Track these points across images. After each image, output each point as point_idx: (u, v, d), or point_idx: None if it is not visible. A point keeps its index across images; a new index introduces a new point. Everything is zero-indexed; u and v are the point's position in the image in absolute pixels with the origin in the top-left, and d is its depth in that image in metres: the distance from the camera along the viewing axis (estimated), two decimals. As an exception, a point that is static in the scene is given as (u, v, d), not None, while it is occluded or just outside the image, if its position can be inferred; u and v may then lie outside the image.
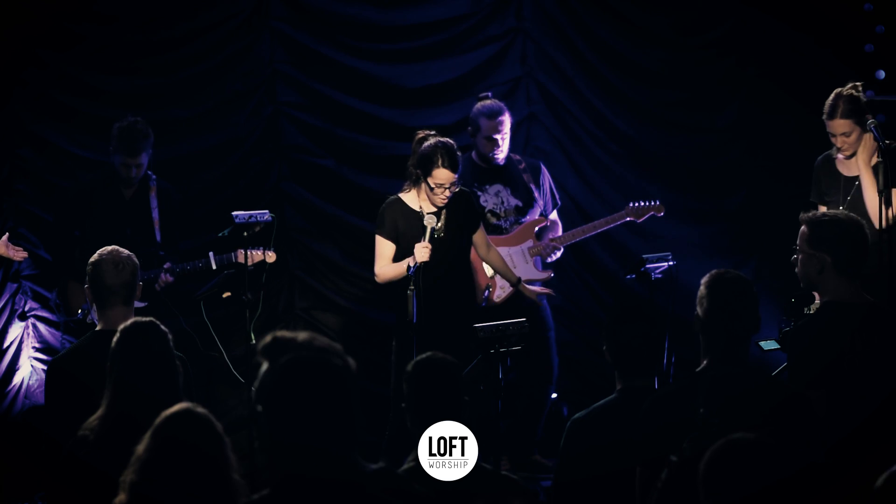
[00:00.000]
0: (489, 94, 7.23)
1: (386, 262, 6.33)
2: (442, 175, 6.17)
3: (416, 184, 6.30)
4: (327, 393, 2.73)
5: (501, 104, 7.06)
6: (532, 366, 7.01)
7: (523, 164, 7.16)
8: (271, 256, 6.83)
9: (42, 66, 7.58)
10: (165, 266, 6.81)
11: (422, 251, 6.12)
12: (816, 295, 4.84)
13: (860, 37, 7.70)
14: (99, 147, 7.32)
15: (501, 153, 6.99)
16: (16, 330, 7.62)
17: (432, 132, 6.33)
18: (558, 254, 7.13)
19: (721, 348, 4.05)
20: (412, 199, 6.34)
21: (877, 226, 5.98)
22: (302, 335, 2.88)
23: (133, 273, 4.96)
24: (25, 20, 7.39)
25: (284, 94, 7.92)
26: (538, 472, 7.03)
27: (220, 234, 6.67)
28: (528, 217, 7.09)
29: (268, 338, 2.90)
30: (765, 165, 8.02)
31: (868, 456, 4.14)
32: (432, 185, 6.19)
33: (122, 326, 4.25)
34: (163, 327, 4.24)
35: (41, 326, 7.67)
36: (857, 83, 6.28)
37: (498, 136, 6.93)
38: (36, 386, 7.56)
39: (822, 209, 6.44)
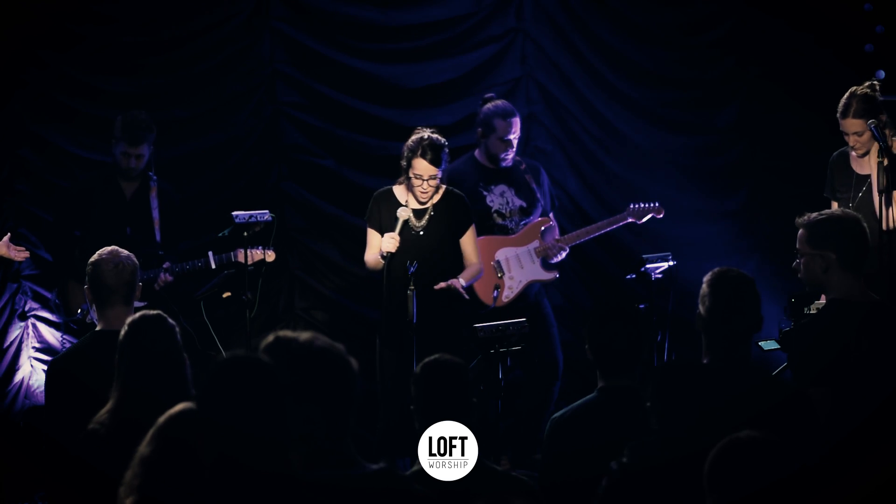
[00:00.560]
0: (493, 94, 7.24)
1: (374, 251, 6.40)
2: (420, 166, 6.24)
3: (405, 178, 6.36)
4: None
5: (511, 105, 7.08)
6: (537, 363, 7.01)
7: (524, 166, 7.16)
8: (270, 255, 6.83)
9: (42, 67, 7.58)
10: (165, 266, 6.81)
11: (388, 241, 6.23)
12: (824, 298, 4.82)
13: (860, 37, 7.70)
14: (99, 147, 7.33)
15: (512, 154, 7.00)
16: (16, 330, 7.62)
17: (431, 129, 6.36)
18: (564, 254, 7.13)
19: (723, 347, 4.05)
20: (401, 191, 6.42)
21: (884, 226, 5.98)
22: (304, 335, 2.88)
23: (133, 273, 4.96)
24: (26, 20, 7.39)
25: (284, 94, 7.92)
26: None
27: (221, 234, 6.67)
28: (531, 217, 7.09)
29: (270, 337, 2.90)
30: (765, 165, 8.03)
31: (871, 454, 4.15)
32: (411, 176, 6.28)
33: (129, 319, 4.26)
34: (170, 321, 4.25)
35: (41, 326, 7.67)
36: (874, 82, 6.28)
37: (512, 137, 6.95)
38: (36, 386, 7.56)
39: (835, 205, 6.44)
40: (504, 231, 7.01)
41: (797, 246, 4.62)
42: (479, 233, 6.92)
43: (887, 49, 7.65)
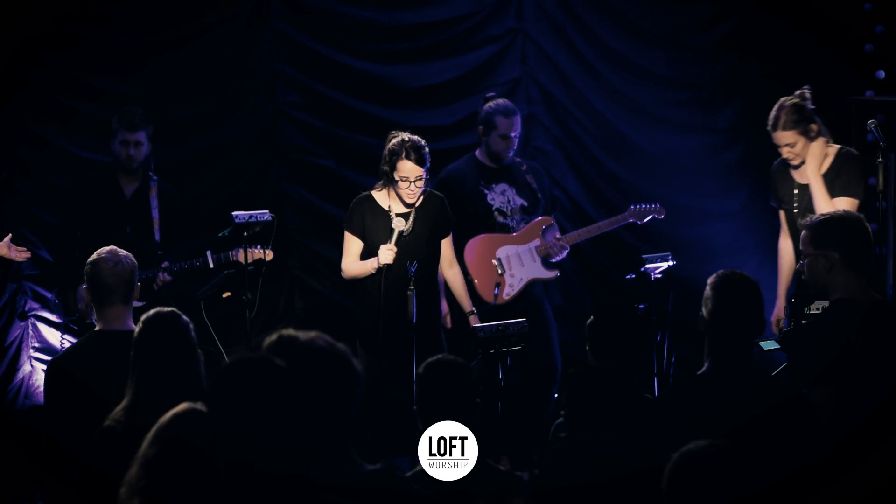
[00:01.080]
0: (494, 93, 7.24)
1: (353, 259, 6.40)
2: (406, 167, 6.23)
3: (386, 183, 6.34)
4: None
5: (513, 103, 7.09)
6: (535, 365, 7.01)
7: (525, 166, 7.17)
8: (269, 255, 6.82)
9: (42, 67, 7.59)
10: (163, 265, 6.81)
11: (386, 253, 6.19)
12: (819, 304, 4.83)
13: (860, 37, 7.70)
14: (99, 147, 7.33)
15: (512, 151, 7.01)
16: (16, 330, 7.62)
17: (406, 132, 6.35)
18: (565, 253, 7.12)
19: (725, 349, 4.04)
20: (382, 197, 6.39)
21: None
22: (305, 334, 2.88)
23: (132, 272, 4.96)
24: (26, 21, 7.39)
25: (284, 95, 7.92)
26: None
27: (221, 235, 6.67)
28: (533, 217, 7.09)
29: (273, 336, 2.90)
30: (765, 165, 8.01)
31: (873, 453, 4.15)
32: (397, 179, 6.24)
33: (143, 317, 4.26)
34: (184, 318, 4.25)
35: (41, 326, 7.67)
36: (805, 90, 6.24)
37: (514, 135, 6.95)
38: (36, 386, 7.56)
39: (783, 215, 6.45)
40: (505, 229, 7.01)
41: (800, 247, 4.64)
42: (480, 231, 6.93)
43: (887, 49, 7.65)
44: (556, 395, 7.26)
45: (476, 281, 6.87)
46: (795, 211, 6.33)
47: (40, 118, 7.63)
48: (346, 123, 7.94)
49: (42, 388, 6.97)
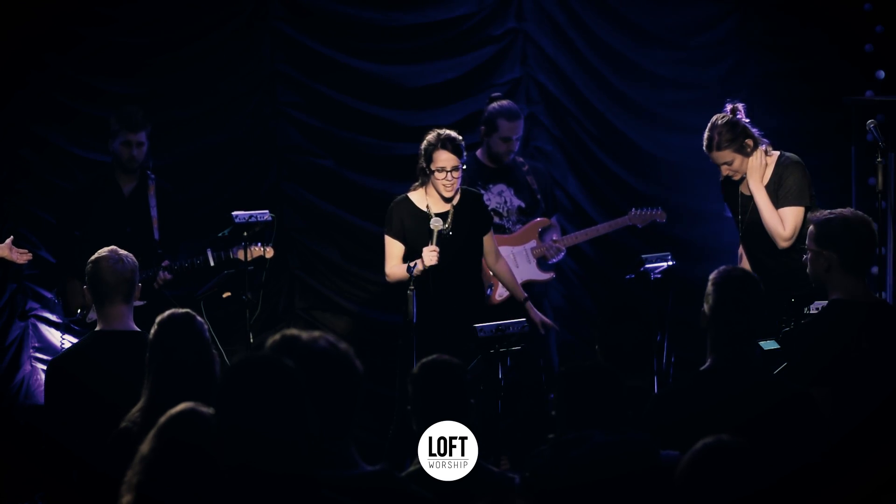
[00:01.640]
0: (500, 93, 7.24)
1: (396, 262, 6.32)
2: (443, 157, 6.18)
3: (423, 182, 6.30)
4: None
5: (517, 106, 7.09)
6: (533, 366, 7.01)
7: (527, 167, 7.17)
8: (269, 252, 6.81)
9: (42, 67, 7.58)
10: (163, 264, 6.82)
11: (429, 255, 6.11)
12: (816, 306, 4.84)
13: (860, 37, 7.70)
14: (99, 147, 7.32)
15: (513, 154, 7.01)
16: (16, 330, 7.62)
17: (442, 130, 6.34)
18: (561, 255, 7.13)
19: (727, 346, 4.04)
20: (419, 197, 6.34)
21: (779, 245, 5.95)
22: (308, 334, 2.88)
23: (132, 272, 4.97)
24: (26, 21, 7.39)
25: (284, 95, 7.92)
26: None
27: (221, 235, 6.67)
28: (531, 218, 7.09)
29: (276, 336, 2.90)
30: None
31: (872, 454, 4.15)
32: (435, 170, 6.19)
33: (158, 318, 4.26)
34: (199, 318, 4.26)
35: (41, 326, 7.67)
36: (737, 105, 6.14)
37: (515, 138, 6.95)
38: (36, 386, 7.56)
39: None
40: (500, 231, 7.01)
41: (806, 241, 4.65)
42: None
43: (887, 49, 7.65)
44: (551, 396, 7.27)
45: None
46: (740, 221, 6.28)
47: (40, 118, 7.62)
48: (346, 123, 7.93)
49: (42, 388, 7.00)
